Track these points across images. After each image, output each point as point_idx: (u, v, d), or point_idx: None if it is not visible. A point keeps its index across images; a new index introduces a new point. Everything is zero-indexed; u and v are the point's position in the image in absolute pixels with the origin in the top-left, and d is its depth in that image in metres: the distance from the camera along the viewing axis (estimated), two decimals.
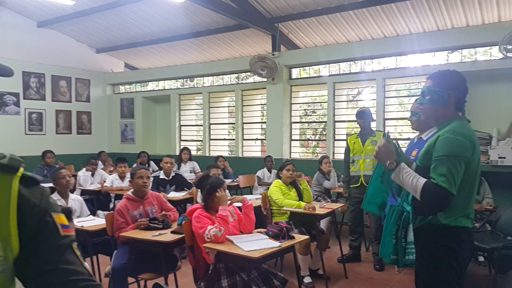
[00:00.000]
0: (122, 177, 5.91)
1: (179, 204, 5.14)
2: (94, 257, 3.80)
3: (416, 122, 3.18)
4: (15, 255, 0.79)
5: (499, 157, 5.47)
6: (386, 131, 5.74)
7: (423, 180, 1.94)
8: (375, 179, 2.38)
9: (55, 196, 3.87)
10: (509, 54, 5.36)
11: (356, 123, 5.32)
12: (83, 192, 6.06)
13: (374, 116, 6.27)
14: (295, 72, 7.81)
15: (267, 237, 2.97)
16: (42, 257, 0.80)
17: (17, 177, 0.80)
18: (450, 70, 2.18)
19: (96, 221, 3.79)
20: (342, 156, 5.27)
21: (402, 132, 8.41)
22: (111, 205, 5.81)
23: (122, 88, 10.70)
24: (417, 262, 2.09)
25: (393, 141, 2.22)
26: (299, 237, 3.10)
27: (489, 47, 5.95)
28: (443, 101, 2.09)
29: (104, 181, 6.00)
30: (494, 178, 5.17)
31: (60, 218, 0.86)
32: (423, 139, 2.26)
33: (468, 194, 2.01)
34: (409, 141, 2.78)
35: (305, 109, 9.06)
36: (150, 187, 4.39)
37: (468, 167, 1.96)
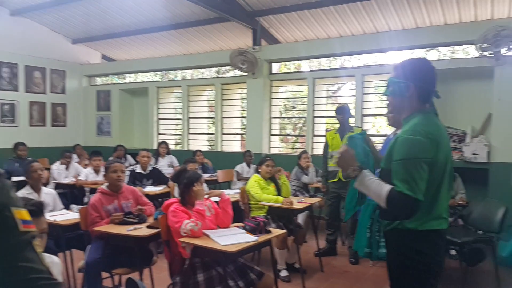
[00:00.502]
0: (97, 171, 5.78)
1: (156, 199, 5.06)
2: (68, 252, 3.72)
3: (392, 118, 3.21)
4: None
5: (473, 154, 5.61)
6: (363, 128, 5.80)
7: (387, 188, 1.78)
8: (351, 189, 2.24)
9: (27, 190, 3.76)
10: (485, 53, 5.47)
11: (335, 118, 5.35)
12: (57, 186, 5.92)
13: (353, 112, 6.33)
14: (275, 67, 7.80)
15: (244, 231, 2.95)
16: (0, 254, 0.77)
17: None
18: (415, 58, 2.00)
19: (69, 215, 3.70)
20: (321, 152, 5.30)
21: (380, 128, 8.52)
22: (86, 199, 5.69)
23: (98, 80, 10.47)
24: (388, 263, 2.01)
25: (363, 140, 2.16)
26: (276, 231, 3.10)
27: (466, 46, 6.07)
28: (402, 92, 1.92)
29: (79, 175, 5.87)
30: (467, 174, 5.30)
31: (21, 213, 0.82)
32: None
33: (434, 195, 1.83)
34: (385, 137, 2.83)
35: (285, 104, 9.07)
36: (126, 181, 4.31)
37: (432, 168, 1.78)
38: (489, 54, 5.44)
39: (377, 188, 1.82)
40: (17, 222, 0.80)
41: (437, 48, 6.41)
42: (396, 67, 1.99)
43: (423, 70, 1.92)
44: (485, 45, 5.40)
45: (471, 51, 5.92)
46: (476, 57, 5.73)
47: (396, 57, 6.75)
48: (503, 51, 5.34)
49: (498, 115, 5.58)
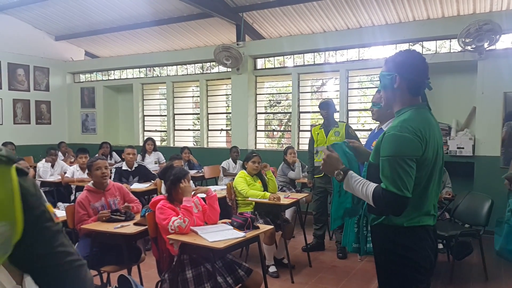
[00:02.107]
0: (83, 168, 5.73)
1: (143, 196, 5.07)
2: None
3: (376, 113, 3.29)
4: (16, 239, 0.85)
5: (458, 148, 5.71)
6: (347, 123, 5.87)
7: (372, 187, 1.78)
8: (335, 195, 2.25)
9: None
10: (467, 47, 5.56)
11: (320, 114, 5.40)
12: (43, 184, 5.87)
13: (337, 107, 6.39)
14: (260, 63, 7.82)
15: (231, 227, 2.98)
16: (42, 242, 0.90)
17: (14, 167, 0.85)
18: (404, 50, 1.95)
19: (56, 213, 3.67)
20: (307, 147, 5.35)
21: (365, 123, 8.62)
22: (72, 197, 5.65)
23: (82, 77, 10.34)
24: (375, 258, 2.01)
25: (345, 147, 2.16)
26: (264, 227, 3.13)
27: (449, 40, 6.17)
28: (391, 85, 1.88)
29: (65, 173, 5.82)
30: (453, 167, 5.41)
31: (51, 207, 0.95)
32: (383, 130, 2.24)
33: (423, 192, 1.82)
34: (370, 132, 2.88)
35: (270, 100, 9.10)
36: (112, 178, 4.29)
37: (420, 165, 1.76)
38: (472, 48, 5.53)
39: (363, 188, 1.81)
40: (52, 214, 0.94)
41: (420, 42, 6.49)
42: (386, 60, 1.96)
43: (410, 61, 1.87)
44: (468, 40, 5.49)
45: (455, 46, 6.02)
46: (460, 51, 5.84)
47: (380, 52, 6.83)
48: (485, 45, 5.44)
49: (482, 108, 5.68)
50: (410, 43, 6.47)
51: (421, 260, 1.85)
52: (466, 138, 5.69)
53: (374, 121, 3.60)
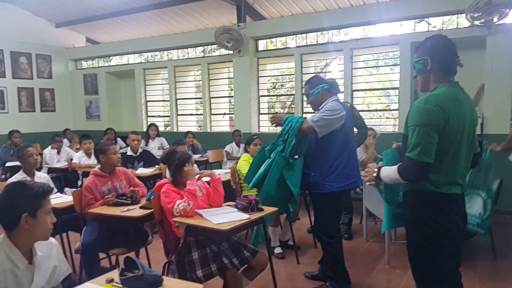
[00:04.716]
0: (88, 154, 5.78)
1: (148, 180, 5.10)
2: (64, 234, 3.77)
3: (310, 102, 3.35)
4: None
5: None
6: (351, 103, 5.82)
7: (394, 168, 2.04)
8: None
9: (21, 175, 3.77)
10: (476, 22, 5.42)
11: None
12: (50, 170, 5.93)
13: (341, 88, 6.34)
14: (261, 44, 7.74)
15: (236, 210, 3.00)
16: None
17: None
18: (432, 35, 2.16)
19: (63, 199, 3.75)
20: None
21: (370, 103, 8.57)
22: (79, 182, 5.71)
23: (84, 64, 10.33)
24: (406, 224, 2.17)
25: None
26: (268, 209, 3.15)
27: (456, 15, 6.04)
28: (425, 68, 2.09)
29: (71, 159, 5.87)
30: None
31: None
32: None
33: (450, 162, 1.99)
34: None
35: (273, 82, 9.04)
36: None
37: (443, 135, 1.94)
38: (480, 23, 5.39)
39: (391, 173, 2.07)
40: None
41: (426, 19, 6.36)
42: (417, 48, 2.17)
43: (439, 44, 2.08)
44: (476, 14, 5.33)
45: (462, 21, 5.89)
46: (467, 27, 5.71)
47: (384, 30, 6.72)
48: (495, 19, 5.29)
49: (491, 85, 5.58)
50: (416, 20, 6.36)
51: (450, 225, 2.02)
52: None
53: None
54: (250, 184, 3.33)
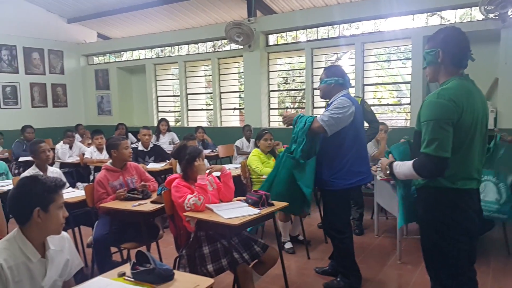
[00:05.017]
0: (100, 149, 5.84)
1: (159, 175, 5.13)
2: (76, 229, 3.81)
3: (321, 90, 3.31)
4: None
5: None
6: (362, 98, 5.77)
7: (409, 163, 1.99)
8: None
9: (33, 169, 3.82)
10: (490, 15, 5.32)
11: None
12: (62, 165, 5.99)
13: (353, 82, 6.28)
14: (272, 39, 7.70)
15: (246, 204, 3.00)
16: None
17: None
18: (444, 27, 2.12)
19: (75, 193, 3.78)
20: None
21: (382, 98, 8.49)
22: (91, 177, 5.77)
23: (96, 59, 10.40)
24: (419, 221, 2.15)
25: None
26: (279, 204, 3.15)
27: (470, 8, 5.93)
28: (435, 60, 2.06)
29: (83, 154, 5.93)
30: None
31: None
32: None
33: (464, 157, 1.95)
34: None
35: (283, 77, 9.00)
36: None
37: (458, 130, 1.90)
38: (494, 16, 5.30)
39: (405, 169, 2.03)
40: None
41: (439, 12, 6.25)
42: (429, 39, 2.13)
43: (451, 36, 2.04)
44: (490, 7, 5.24)
45: (476, 14, 5.78)
46: (481, 20, 5.60)
47: (396, 23, 6.63)
48: (509, 12, 5.19)
49: (505, 79, 5.48)
50: (428, 13, 6.26)
51: (465, 221, 1.98)
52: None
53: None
54: (263, 188, 3.31)
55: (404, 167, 2.05)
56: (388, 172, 2.15)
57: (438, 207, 2.01)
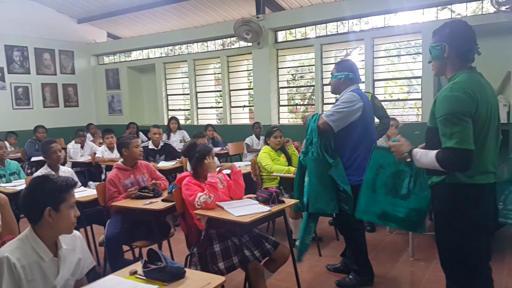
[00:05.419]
0: (111, 148, 5.88)
1: (170, 174, 5.15)
2: (88, 227, 3.83)
3: (332, 84, 3.28)
4: None
5: None
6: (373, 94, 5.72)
7: (433, 153, 1.89)
8: (366, 188, 2.45)
9: (45, 169, 3.85)
10: (501, 8, 5.25)
11: None
12: (74, 165, 6.05)
13: (363, 78, 6.23)
14: (281, 36, 7.68)
15: (257, 202, 2.99)
16: None
17: None
18: (449, 21, 2.08)
19: (87, 192, 3.80)
20: None
21: (393, 93, 8.40)
22: (103, 176, 5.82)
23: (106, 59, 10.48)
24: (434, 218, 2.11)
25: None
26: (289, 201, 3.13)
27: (481, 1, 5.83)
28: (442, 54, 2.02)
29: (95, 153, 5.98)
30: None
31: None
32: None
33: (479, 150, 1.89)
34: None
35: (292, 74, 8.97)
36: None
37: (474, 123, 1.86)
38: (506, 8, 5.24)
39: (427, 157, 1.93)
40: None
41: (449, 6, 6.16)
42: (434, 32, 2.09)
43: (457, 30, 2.00)
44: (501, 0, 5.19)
45: (487, 7, 5.69)
46: (493, 13, 5.52)
47: (406, 18, 6.55)
48: None
49: None
50: (439, 7, 6.18)
51: (483, 217, 1.94)
52: (500, 105, 5.42)
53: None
54: (296, 197, 3.20)
55: (425, 157, 1.95)
56: (407, 153, 2.04)
57: (455, 203, 1.95)
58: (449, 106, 1.86)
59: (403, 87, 8.36)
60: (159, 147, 5.76)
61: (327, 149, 3.09)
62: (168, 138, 7.03)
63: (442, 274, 2.15)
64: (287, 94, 8.16)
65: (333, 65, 3.38)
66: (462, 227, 1.95)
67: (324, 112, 3.09)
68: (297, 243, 3.40)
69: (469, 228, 1.94)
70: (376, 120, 4.09)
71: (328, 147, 3.11)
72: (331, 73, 3.31)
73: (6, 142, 5.82)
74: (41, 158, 4.21)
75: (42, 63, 9.35)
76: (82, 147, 6.44)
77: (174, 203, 3.09)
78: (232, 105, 8.41)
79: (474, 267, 1.99)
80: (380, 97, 5.80)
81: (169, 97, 9.45)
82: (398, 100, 8.08)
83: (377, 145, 2.63)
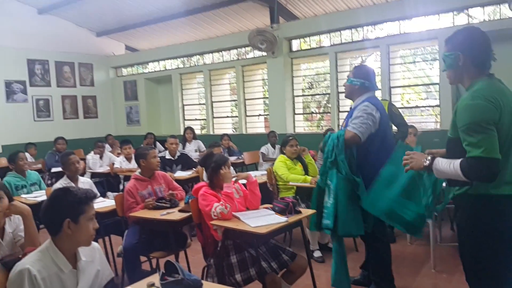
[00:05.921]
0: (128, 159, 5.95)
1: (186, 184, 5.17)
2: (107, 238, 3.87)
3: (347, 88, 3.23)
4: None
5: None
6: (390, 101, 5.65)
7: (457, 162, 1.80)
8: (381, 182, 2.46)
9: (65, 180, 3.91)
10: None
11: None
12: (93, 175, 6.13)
13: (379, 85, 6.17)
14: (295, 44, 7.69)
15: (273, 212, 2.97)
16: None
17: None
18: (463, 28, 2.00)
19: (106, 203, 3.83)
20: None
21: (410, 100, 8.31)
22: (121, 186, 5.88)
23: (124, 71, 10.66)
24: (458, 230, 2.04)
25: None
26: (306, 212, 3.10)
27: (498, 5, 5.73)
28: (456, 63, 1.94)
29: (113, 163, 6.05)
30: None
31: None
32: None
33: (506, 158, 1.79)
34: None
35: (308, 82, 8.97)
36: None
37: (498, 131, 1.77)
38: None
39: (450, 166, 1.83)
40: None
41: (466, 11, 6.08)
42: (446, 40, 2.02)
43: (470, 38, 1.93)
44: None
45: (506, 11, 5.58)
46: (511, 17, 5.42)
47: (422, 24, 6.49)
48: None
49: None
50: (455, 12, 6.10)
51: (507, 230, 1.84)
52: None
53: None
54: (329, 226, 2.97)
55: (447, 166, 1.85)
56: (426, 164, 1.93)
57: (481, 216, 1.86)
58: (471, 115, 1.78)
59: (420, 94, 8.25)
60: (176, 157, 5.80)
61: (351, 164, 3.00)
62: (184, 147, 7.08)
63: (467, 287, 2.09)
64: (302, 102, 8.14)
65: (352, 68, 3.33)
66: (488, 241, 1.86)
67: (349, 126, 3.01)
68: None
69: (498, 243, 1.85)
70: (394, 128, 4.03)
71: (351, 161, 3.02)
72: (347, 76, 3.28)
73: (27, 154, 5.94)
74: (60, 169, 4.27)
75: (62, 75, 9.57)
76: (101, 157, 6.53)
77: (190, 213, 3.10)
78: (248, 114, 8.43)
79: (503, 282, 1.90)
80: (397, 104, 5.73)
81: (185, 107, 9.54)
82: (416, 107, 7.99)
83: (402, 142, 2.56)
